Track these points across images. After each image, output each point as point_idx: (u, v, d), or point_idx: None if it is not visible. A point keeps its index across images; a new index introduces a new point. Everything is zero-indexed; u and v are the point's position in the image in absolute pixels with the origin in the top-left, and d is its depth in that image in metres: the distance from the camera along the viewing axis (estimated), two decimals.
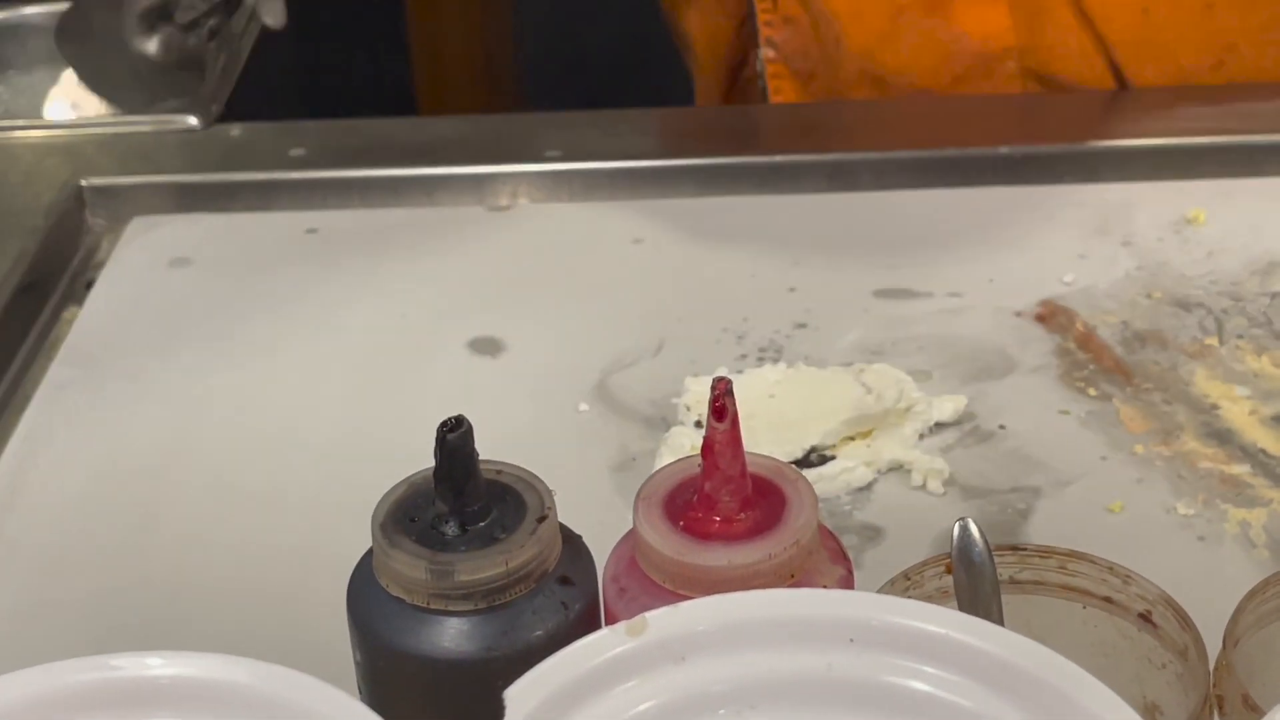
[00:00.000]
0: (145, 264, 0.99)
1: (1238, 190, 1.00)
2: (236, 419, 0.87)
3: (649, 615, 0.46)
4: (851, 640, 0.45)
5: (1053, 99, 1.08)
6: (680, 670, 0.45)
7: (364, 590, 0.57)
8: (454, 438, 0.55)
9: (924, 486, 0.80)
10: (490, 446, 0.84)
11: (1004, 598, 0.60)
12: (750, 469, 0.56)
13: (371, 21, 1.58)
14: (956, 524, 0.58)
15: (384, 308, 0.94)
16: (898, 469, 0.80)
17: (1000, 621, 0.57)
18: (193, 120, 1.09)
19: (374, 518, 0.57)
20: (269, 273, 0.98)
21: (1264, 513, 0.77)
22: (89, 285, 0.98)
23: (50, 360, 0.92)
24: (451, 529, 0.56)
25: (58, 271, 0.99)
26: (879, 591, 0.60)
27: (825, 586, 0.54)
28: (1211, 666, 0.58)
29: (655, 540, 0.55)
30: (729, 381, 0.55)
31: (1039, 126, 1.05)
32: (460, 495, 0.56)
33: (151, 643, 0.72)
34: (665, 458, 0.80)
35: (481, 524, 0.56)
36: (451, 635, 0.55)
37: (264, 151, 1.07)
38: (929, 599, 0.61)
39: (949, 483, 0.80)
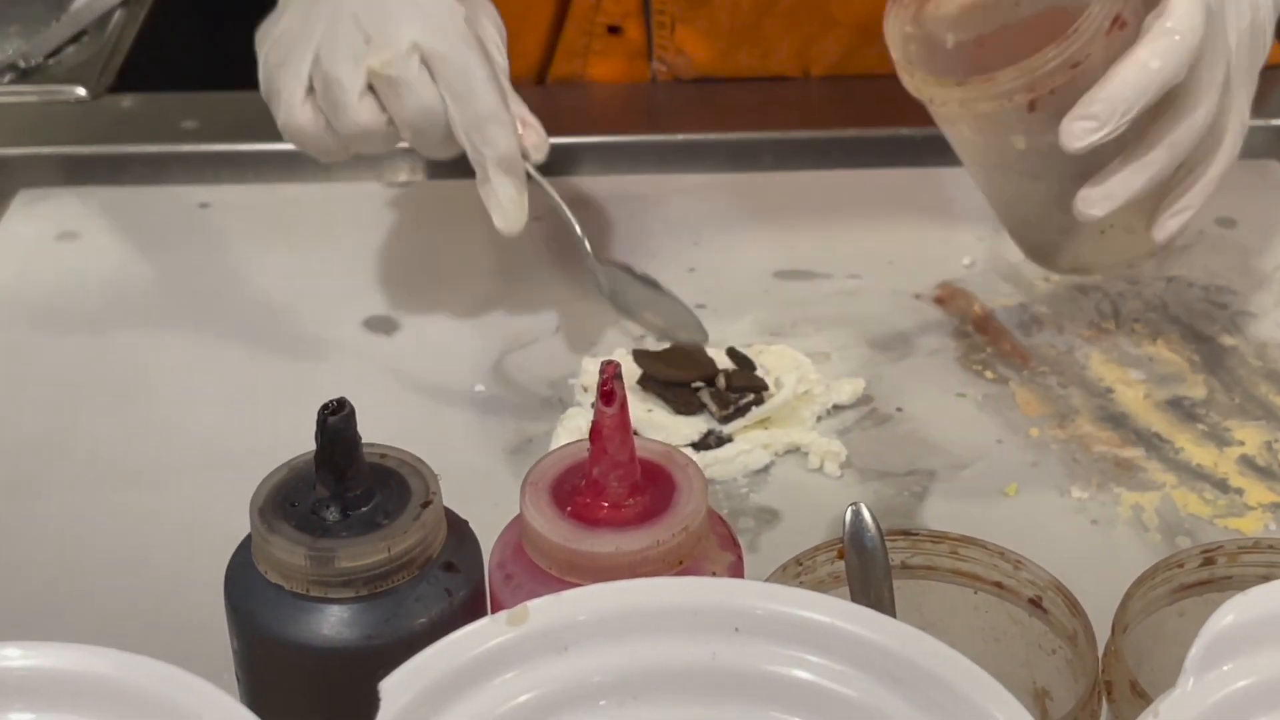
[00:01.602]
0: (32, 237, 0.97)
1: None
2: (121, 398, 0.85)
3: (531, 604, 0.45)
4: (736, 629, 0.45)
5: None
6: (562, 660, 0.44)
7: (242, 576, 0.56)
8: (335, 420, 0.54)
9: (821, 469, 0.79)
10: (384, 427, 0.82)
11: (896, 583, 0.60)
12: (639, 454, 0.55)
13: None
14: (849, 509, 0.58)
15: (277, 285, 0.92)
16: (795, 451, 0.80)
17: (891, 607, 0.57)
18: (81, 90, 1.07)
19: (252, 502, 0.56)
20: (159, 248, 0.96)
21: (1156, 496, 0.78)
22: None
23: None
24: (332, 514, 0.55)
25: None
26: (771, 578, 0.60)
27: (714, 573, 0.54)
28: (1101, 652, 0.58)
29: (542, 526, 0.54)
30: (618, 365, 0.54)
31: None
32: (341, 480, 0.55)
33: (27, 630, 0.71)
34: (561, 439, 0.79)
35: (363, 509, 0.55)
36: (331, 623, 0.54)
37: (155, 123, 1.04)
38: (821, 584, 0.60)
39: (846, 465, 0.79)
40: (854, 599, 0.57)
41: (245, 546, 0.57)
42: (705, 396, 0.80)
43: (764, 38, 1.05)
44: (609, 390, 0.54)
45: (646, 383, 0.81)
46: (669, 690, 0.44)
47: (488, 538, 0.74)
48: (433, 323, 0.89)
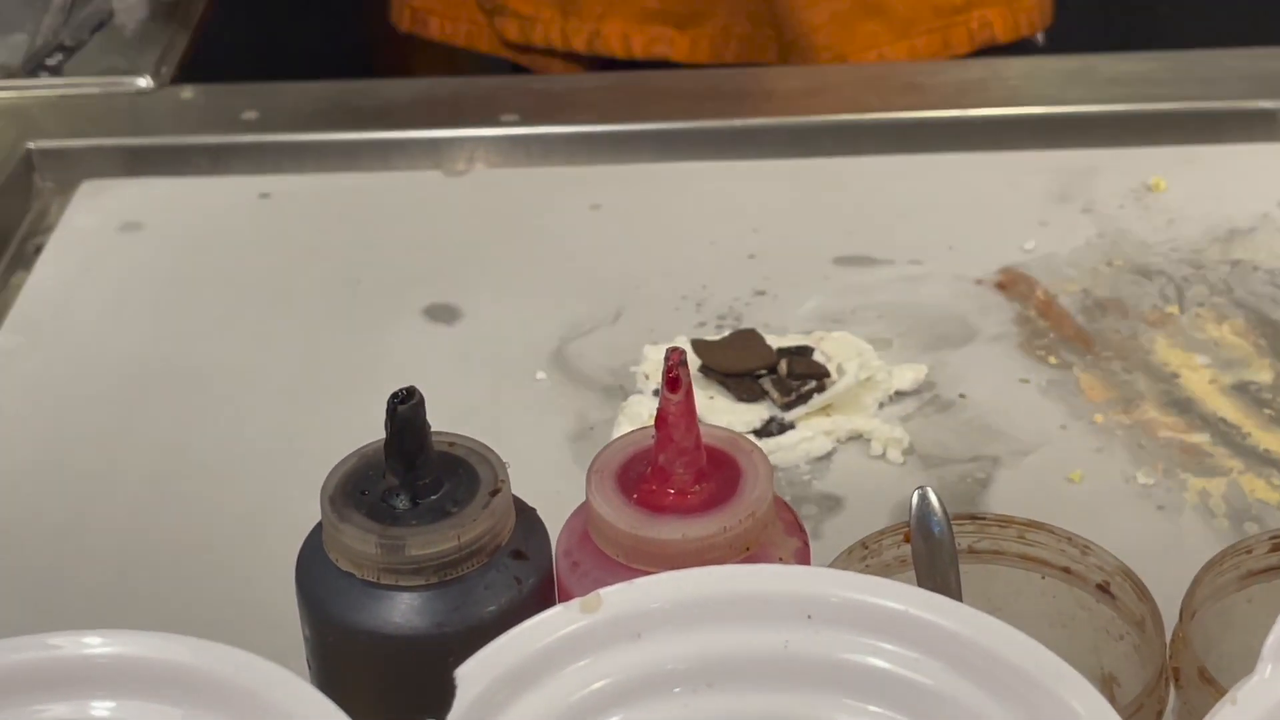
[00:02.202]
0: (95, 228, 0.98)
1: (1199, 157, 0.99)
2: (186, 387, 0.85)
3: (604, 592, 0.45)
4: (809, 617, 0.44)
5: (1013, 64, 1.08)
6: (635, 648, 0.44)
7: (313, 565, 0.56)
8: (405, 409, 0.54)
9: (884, 456, 0.79)
10: (446, 415, 0.83)
11: (963, 567, 0.59)
12: (705, 440, 0.55)
13: None
14: (915, 493, 0.58)
15: (338, 274, 0.93)
16: (857, 438, 0.80)
17: (958, 591, 0.56)
18: (143, 82, 1.07)
19: (323, 490, 0.56)
20: (221, 238, 0.96)
21: (1223, 482, 0.77)
22: (38, 250, 0.96)
23: None
24: (402, 502, 0.55)
25: (5, 236, 0.98)
26: (836, 561, 0.60)
27: (781, 559, 0.54)
28: (1169, 638, 0.58)
29: (608, 513, 0.54)
30: (683, 352, 0.54)
31: (1000, 92, 1.05)
32: (411, 468, 0.55)
33: (99, 619, 0.71)
34: (624, 427, 0.79)
35: (433, 497, 0.55)
36: (402, 611, 0.54)
37: (216, 114, 1.05)
38: (886, 568, 0.60)
39: (908, 452, 0.79)
40: (920, 583, 0.57)
41: (316, 535, 0.57)
42: (767, 384, 0.80)
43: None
44: (674, 377, 0.53)
45: (707, 371, 0.81)
46: (742, 678, 0.44)
47: (551, 525, 0.75)
48: (493, 310, 0.90)
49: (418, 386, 0.57)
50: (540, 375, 0.85)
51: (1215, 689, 0.55)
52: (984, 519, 0.61)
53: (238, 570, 0.74)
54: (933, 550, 0.57)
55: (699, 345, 0.82)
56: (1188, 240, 0.92)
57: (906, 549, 0.59)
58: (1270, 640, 0.44)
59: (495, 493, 0.55)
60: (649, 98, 1.07)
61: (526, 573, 0.55)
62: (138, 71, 1.08)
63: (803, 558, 0.55)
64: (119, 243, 0.96)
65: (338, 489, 0.56)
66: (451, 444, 0.57)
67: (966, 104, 1.02)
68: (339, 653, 0.56)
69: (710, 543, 0.53)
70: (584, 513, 0.56)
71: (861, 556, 0.60)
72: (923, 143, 1.01)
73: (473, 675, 0.42)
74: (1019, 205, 0.96)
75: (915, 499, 0.57)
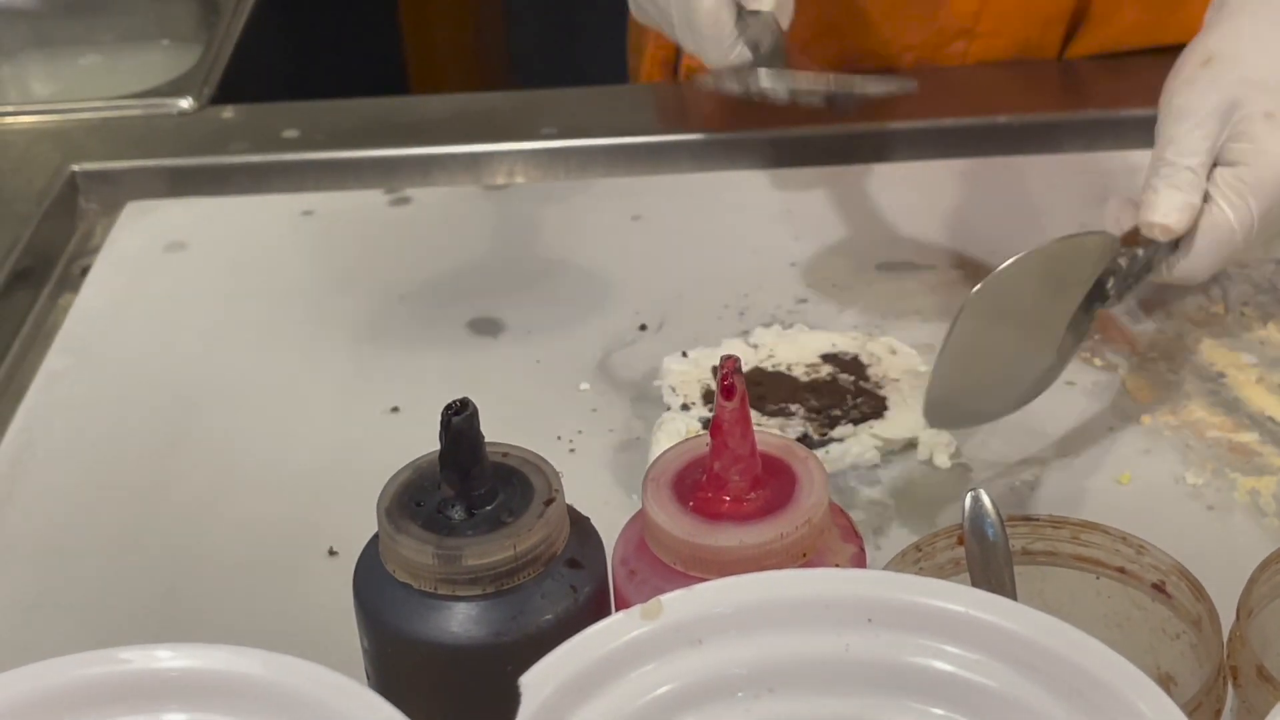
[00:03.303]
0: (140, 249, 0.98)
1: None
2: (233, 404, 0.86)
3: (664, 598, 0.45)
4: (869, 620, 0.45)
5: (1049, 68, 1.07)
6: (697, 653, 0.45)
7: (371, 576, 0.56)
8: (459, 420, 0.55)
9: (930, 461, 0.79)
10: (492, 427, 0.83)
11: (1016, 569, 0.60)
12: (760, 447, 0.55)
13: (363, 1, 1.57)
14: (968, 495, 0.58)
15: (381, 290, 0.93)
16: (908, 446, 0.80)
17: (1013, 592, 0.56)
18: (184, 103, 1.08)
19: (379, 503, 0.57)
20: (264, 255, 0.97)
21: (1273, 481, 0.77)
22: (84, 272, 0.97)
23: (46, 348, 0.91)
24: (458, 513, 0.55)
25: (52, 259, 0.98)
26: (890, 564, 0.60)
27: (838, 565, 0.54)
28: (1226, 638, 0.57)
29: (665, 521, 0.54)
30: (738, 359, 0.54)
31: (1037, 96, 1.05)
32: (466, 479, 0.55)
33: (157, 633, 0.72)
34: (661, 444, 0.79)
35: (488, 507, 0.55)
36: (460, 621, 0.54)
37: (257, 133, 1.06)
38: (941, 569, 0.60)
39: (955, 456, 0.79)
40: (974, 585, 0.57)
41: (373, 547, 0.57)
42: (798, 421, 0.79)
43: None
44: (729, 384, 0.54)
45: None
46: (804, 682, 0.44)
47: (601, 534, 0.75)
48: (537, 323, 0.90)
49: (479, 399, 0.57)
50: (584, 386, 0.85)
51: (1274, 687, 0.55)
52: (1037, 520, 0.61)
53: (290, 584, 0.75)
54: (987, 552, 0.57)
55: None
56: None
57: (960, 551, 0.59)
58: None
59: (549, 502, 0.56)
60: (686, 108, 1.07)
61: (582, 581, 0.55)
62: (179, 93, 1.09)
63: (859, 563, 0.56)
64: (164, 263, 0.97)
65: (394, 501, 0.56)
66: (505, 454, 0.58)
67: (1006, 108, 1.02)
68: (398, 663, 0.56)
69: (767, 549, 0.53)
70: (640, 521, 0.57)
71: (915, 559, 0.61)
72: (962, 148, 1.01)
73: (536, 683, 0.43)
74: (1060, 208, 0.95)
75: (968, 501, 0.57)
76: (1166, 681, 0.61)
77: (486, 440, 0.58)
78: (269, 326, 0.91)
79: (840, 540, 0.56)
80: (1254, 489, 0.76)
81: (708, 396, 0.82)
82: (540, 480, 0.57)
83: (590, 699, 0.43)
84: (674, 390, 0.82)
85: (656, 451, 0.78)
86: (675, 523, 0.54)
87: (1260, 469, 0.77)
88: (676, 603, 0.45)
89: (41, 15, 1.28)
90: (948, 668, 0.43)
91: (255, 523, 0.79)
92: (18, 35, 1.28)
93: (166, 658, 0.41)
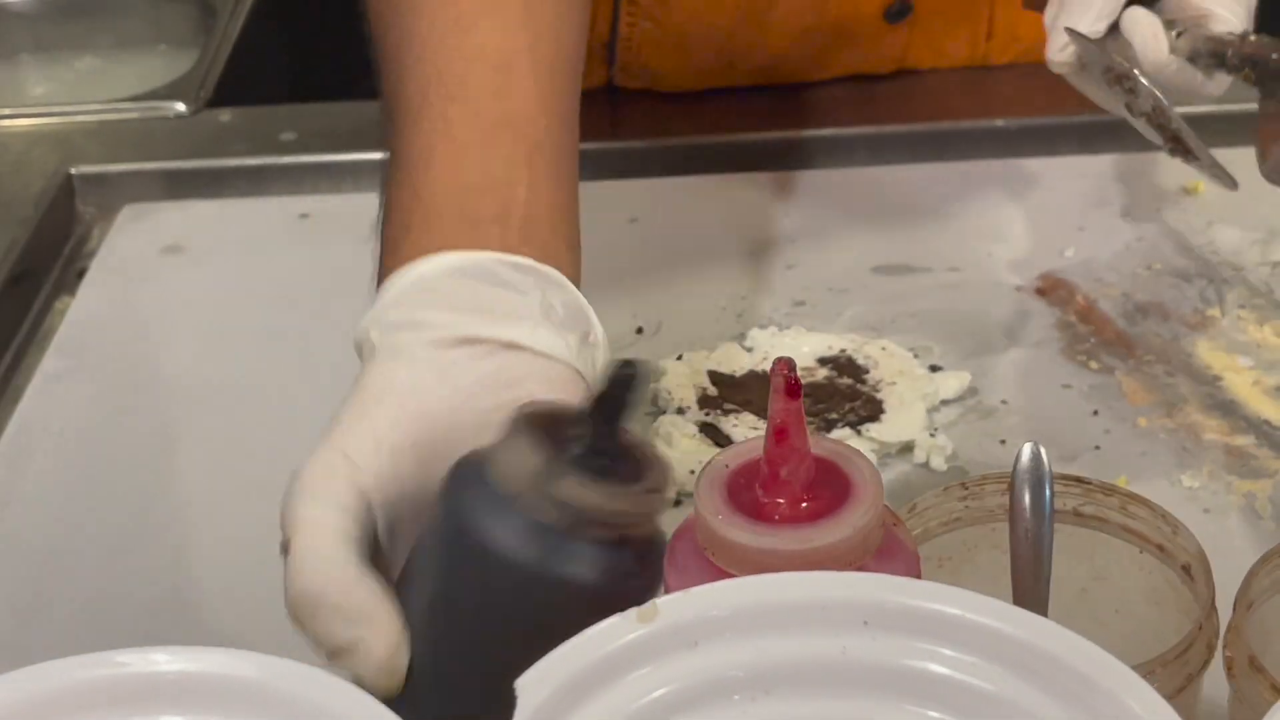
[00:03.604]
0: (137, 252, 0.98)
1: (1236, 159, 0.99)
2: (233, 407, 0.86)
3: (660, 601, 0.45)
4: (866, 623, 0.45)
5: (1044, 68, 1.07)
6: (694, 656, 0.45)
7: (468, 482, 0.51)
8: (625, 373, 0.50)
9: (927, 464, 0.79)
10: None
11: (1066, 529, 0.60)
12: (814, 451, 0.55)
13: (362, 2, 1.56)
14: (1026, 445, 0.58)
15: None
16: (905, 450, 0.80)
17: (1049, 548, 0.56)
18: (181, 106, 1.08)
19: (518, 410, 0.52)
20: (262, 259, 0.97)
21: (1269, 484, 0.77)
22: (81, 274, 0.97)
23: (43, 351, 0.91)
24: (595, 463, 0.50)
25: (49, 261, 0.98)
26: (930, 494, 0.61)
27: (892, 570, 0.53)
28: (1224, 629, 0.58)
29: (718, 525, 0.54)
30: (793, 361, 0.54)
31: (1033, 99, 1.05)
32: (607, 434, 0.50)
33: (154, 637, 0.71)
34: (658, 447, 0.79)
35: (609, 461, 0.50)
36: (536, 547, 0.49)
37: (254, 136, 1.06)
38: (990, 513, 0.62)
39: (952, 459, 0.79)
40: (1012, 535, 0.57)
41: (475, 459, 0.52)
42: None
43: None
44: (795, 384, 0.53)
45: (724, 404, 0.81)
46: (801, 685, 0.45)
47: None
48: None
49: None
50: None
51: (1266, 677, 0.55)
52: (1089, 483, 0.62)
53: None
54: (1034, 504, 0.57)
55: (716, 376, 0.82)
56: (1226, 242, 0.92)
57: (1005, 499, 0.59)
58: None
59: (653, 490, 0.51)
60: (682, 112, 1.07)
61: (647, 569, 0.51)
62: (176, 96, 1.09)
63: (913, 568, 0.55)
64: (161, 265, 0.97)
65: (535, 416, 0.51)
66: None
67: (1001, 111, 1.02)
68: (456, 567, 0.51)
69: (830, 553, 0.52)
70: (693, 523, 0.56)
71: (961, 496, 0.61)
72: (958, 150, 1.01)
73: (533, 685, 0.43)
74: (1057, 211, 0.96)
75: (1026, 451, 0.58)
76: None
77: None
78: (266, 329, 0.91)
79: (896, 544, 0.55)
80: (1250, 492, 0.77)
81: (703, 400, 0.82)
82: (660, 474, 0.52)
83: (586, 702, 0.43)
84: (669, 393, 0.82)
85: None
86: (730, 526, 0.53)
87: (1257, 472, 0.78)
88: (673, 605, 0.45)
89: (39, 18, 1.28)
90: (944, 670, 0.43)
91: (253, 525, 0.78)
92: (15, 38, 1.28)
93: (163, 661, 0.41)
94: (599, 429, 0.50)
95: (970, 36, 1.06)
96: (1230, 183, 0.77)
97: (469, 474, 0.51)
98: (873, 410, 0.80)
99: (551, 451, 0.50)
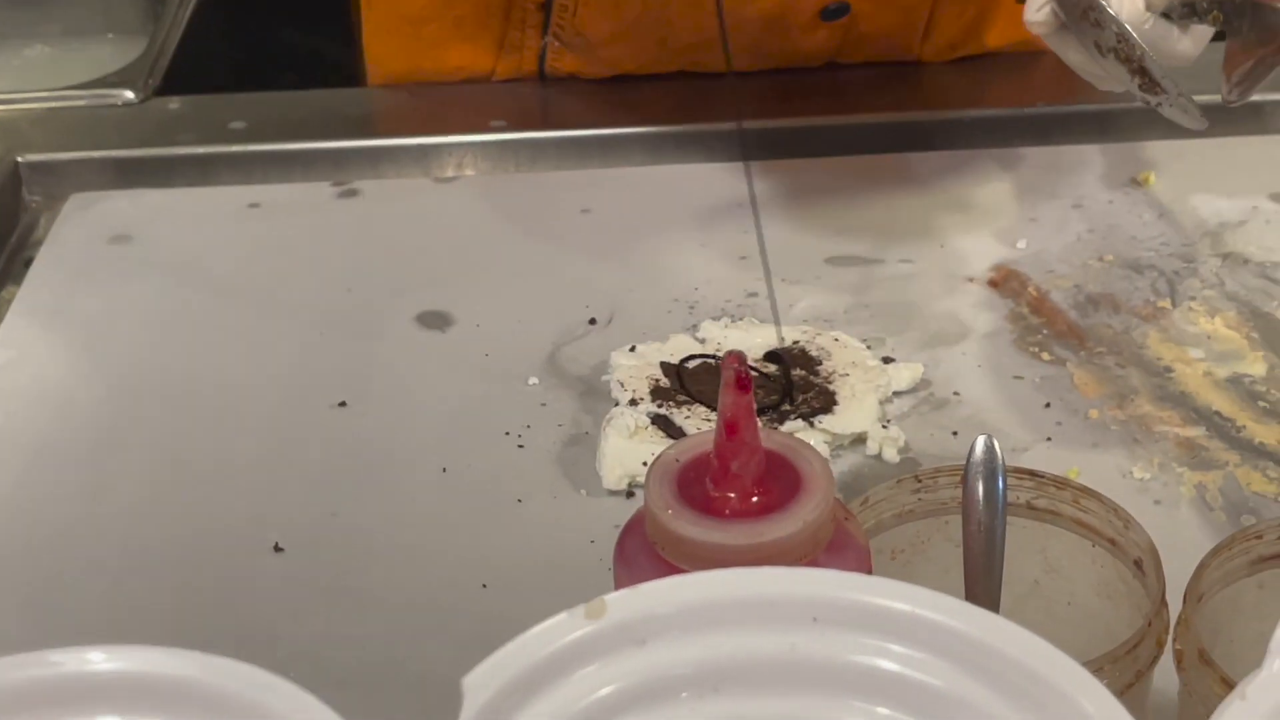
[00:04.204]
0: (84, 241, 0.97)
1: (1187, 151, 0.99)
2: (180, 398, 0.85)
3: (608, 597, 0.45)
4: (815, 619, 0.44)
5: (999, 62, 1.08)
6: (641, 653, 0.44)
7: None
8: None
9: (879, 455, 0.79)
10: (440, 421, 0.83)
11: (1020, 522, 0.60)
12: (765, 445, 0.54)
13: None
14: (980, 439, 0.58)
15: (329, 282, 0.93)
16: (858, 441, 0.80)
17: (1002, 541, 0.56)
18: (130, 94, 1.07)
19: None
20: (210, 248, 0.96)
21: (1220, 475, 0.77)
22: (27, 264, 0.96)
23: None
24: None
25: None
26: (883, 487, 0.61)
27: (843, 565, 0.53)
28: (1174, 622, 0.58)
29: (668, 520, 0.53)
30: (743, 354, 0.53)
31: (985, 91, 1.05)
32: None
33: (98, 631, 0.71)
34: (610, 439, 0.78)
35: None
36: None
37: (203, 125, 1.05)
38: (942, 506, 0.61)
39: (904, 450, 0.79)
40: (965, 527, 0.57)
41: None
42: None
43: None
44: (745, 378, 0.52)
45: (678, 395, 0.80)
46: (749, 682, 0.44)
47: (545, 526, 0.75)
48: (485, 316, 0.89)
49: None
50: (533, 380, 0.84)
51: (1215, 670, 0.55)
52: (1042, 477, 0.62)
53: (234, 580, 0.74)
54: (987, 497, 0.57)
55: (668, 368, 0.82)
56: (1178, 234, 0.93)
57: (959, 492, 0.59)
58: (1278, 634, 0.44)
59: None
60: (636, 102, 1.06)
61: None
62: (125, 84, 1.08)
63: (864, 562, 0.54)
64: (109, 255, 0.96)
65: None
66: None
67: (955, 104, 1.02)
68: None
69: (779, 547, 0.51)
70: (643, 517, 0.55)
71: (913, 489, 0.61)
72: (911, 142, 1.01)
73: (479, 683, 0.42)
74: (1009, 203, 0.96)
75: (979, 445, 0.57)
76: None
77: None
78: (214, 319, 0.90)
79: (847, 538, 0.55)
80: (1201, 483, 0.77)
81: (656, 391, 0.81)
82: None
83: (532, 700, 0.42)
84: (622, 385, 0.82)
85: (606, 447, 0.78)
86: (680, 520, 0.53)
87: (1207, 463, 0.78)
88: (620, 602, 0.44)
89: None
90: (893, 667, 0.43)
91: (199, 518, 0.78)
92: None
93: (99, 660, 0.40)
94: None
95: (905, 40, 1.05)
96: (1198, 119, 0.77)
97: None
98: (825, 402, 0.80)
99: None
